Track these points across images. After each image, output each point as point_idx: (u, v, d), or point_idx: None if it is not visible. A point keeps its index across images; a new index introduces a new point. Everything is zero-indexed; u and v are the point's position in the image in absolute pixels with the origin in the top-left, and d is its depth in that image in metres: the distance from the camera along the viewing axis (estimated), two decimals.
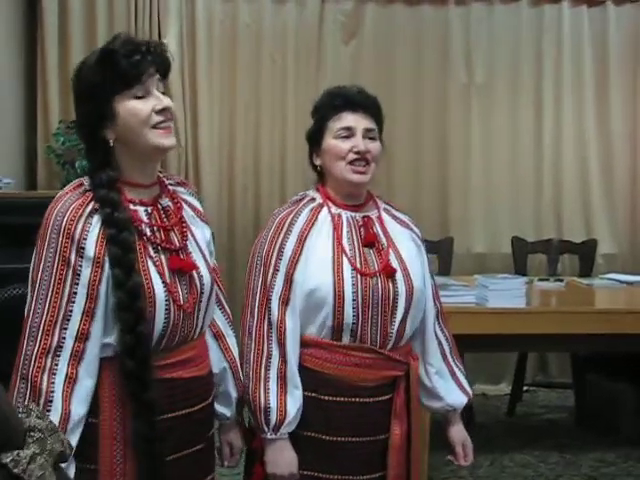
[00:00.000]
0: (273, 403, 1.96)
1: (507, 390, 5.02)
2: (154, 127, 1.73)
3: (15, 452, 1.05)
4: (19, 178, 4.68)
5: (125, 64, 1.69)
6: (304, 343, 2.01)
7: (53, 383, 1.65)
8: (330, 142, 2.07)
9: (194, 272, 1.82)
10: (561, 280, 4.37)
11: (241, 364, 2.01)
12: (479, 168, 5.30)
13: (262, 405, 1.96)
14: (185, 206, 1.90)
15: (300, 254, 2.00)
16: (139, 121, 1.71)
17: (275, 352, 1.98)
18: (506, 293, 3.53)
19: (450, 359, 2.21)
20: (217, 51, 5.08)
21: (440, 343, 2.19)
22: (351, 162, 2.05)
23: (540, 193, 5.33)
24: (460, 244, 5.06)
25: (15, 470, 1.04)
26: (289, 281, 1.99)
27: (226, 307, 2.04)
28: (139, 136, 1.72)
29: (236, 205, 5.15)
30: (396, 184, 5.15)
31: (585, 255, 4.89)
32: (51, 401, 1.64)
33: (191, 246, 1.85)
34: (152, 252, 1.76)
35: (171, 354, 1.79)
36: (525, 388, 5.06)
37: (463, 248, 5.18)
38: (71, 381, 1.66)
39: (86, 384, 1.69)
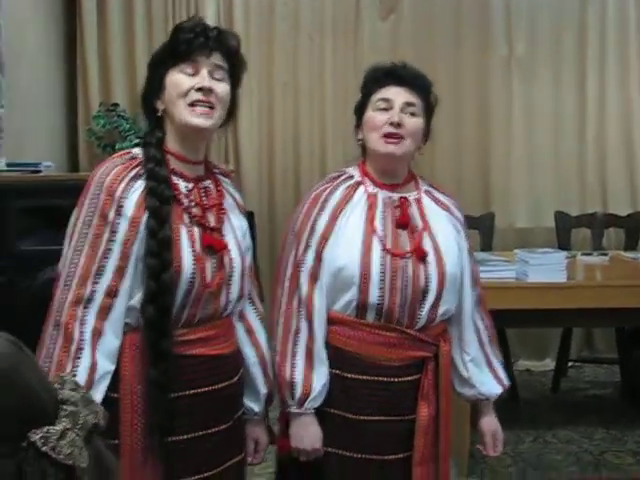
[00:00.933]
0: (299, 378, 1.96)
1: (552, 366, 4.95)
2: (191, 105, 1.78)
3: (45, 428, 1.02)
4: (61, 161, 4.72)
5: (180, 39, 1.80)
6: (329, 320, 1.99)
7: (83, 332, 1.70)
8: (369, 114, 2.05)
9: (225, 254, 1.83)
10: (605, 254, 4.28)
11: (269, 337, 2.01)
12: (521, 142, 5.21)
13: (288, 379, 1.97)
14: (227, 194, 1.93)
15: (332, 231, 1.98)
16: (177, 93, 1.79)
17: (303, 328, 1.97)
18: (546, 268, 3.47)
19: (488, 347, 2.14)
20: (254, 28, 5.05)
21: (478, 330, 2.12)
22: (385, 135, 2.00)
23: (584, 165, 5.22)
24: (502, 219, 4.99)
25: (44, 448, 1.02)
26: (319, 258, 1.97)
27: (258, 304, 2.03)
28: (175, 108, 1.80)
29: (276, 184, 5.14)
30: (437, 159, 5.05)
31: (631, 229, 4.79)
32: (82, 349, 1.69)
33: (226, 230, 1.87)
34: (187, 221, 1.79)
35: (191, 330, 1.80)
36: (570, 364, 4.99)
37: (505, 223, 5.10)
38: (96, 333, 1.71)
39: (110, 340, 1.72)
